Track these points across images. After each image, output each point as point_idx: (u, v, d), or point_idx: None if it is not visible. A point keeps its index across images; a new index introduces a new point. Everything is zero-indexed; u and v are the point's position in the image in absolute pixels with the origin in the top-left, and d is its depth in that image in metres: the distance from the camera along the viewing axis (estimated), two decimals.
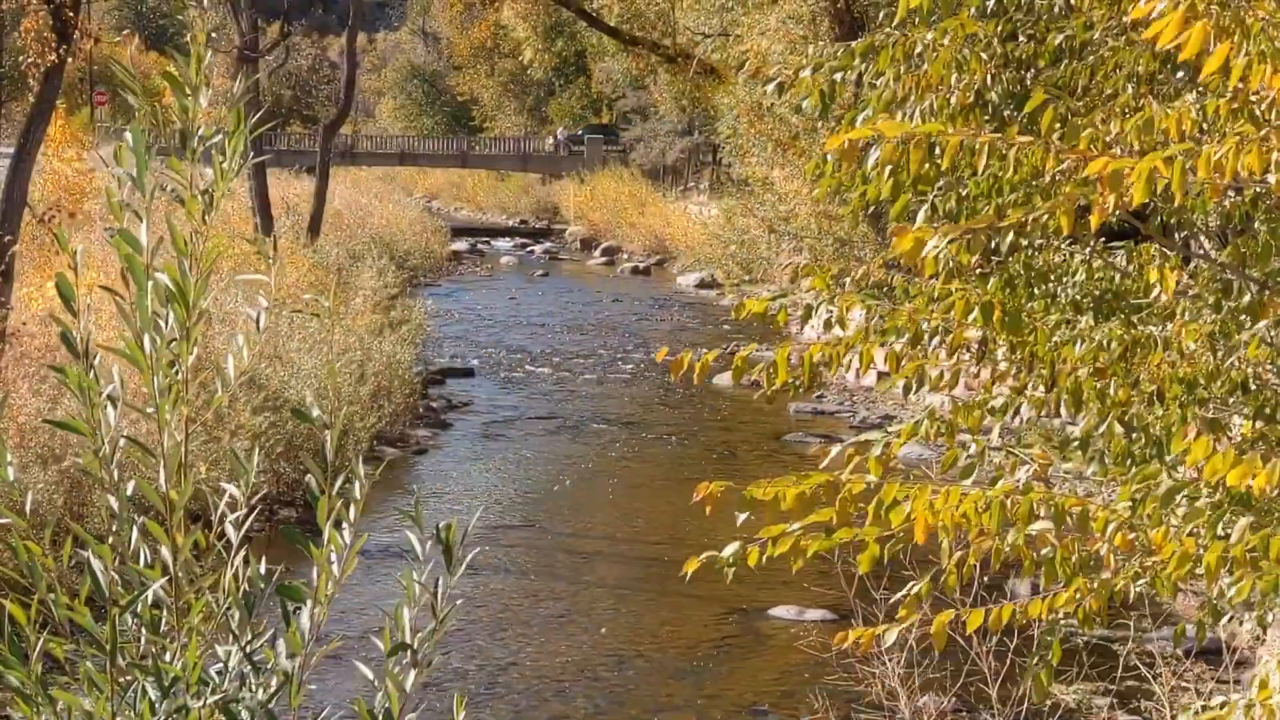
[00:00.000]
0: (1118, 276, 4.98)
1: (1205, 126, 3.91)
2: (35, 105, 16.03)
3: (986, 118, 5.04)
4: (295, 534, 2.75)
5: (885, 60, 4.84)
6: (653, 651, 11.43)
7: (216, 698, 2.55)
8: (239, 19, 29.54)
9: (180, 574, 2.65)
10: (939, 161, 3.67)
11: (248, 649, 2.65)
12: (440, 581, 2.77)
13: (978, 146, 3.64)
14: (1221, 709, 4.07)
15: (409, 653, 2.72)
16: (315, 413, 2.71)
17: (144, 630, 2.59)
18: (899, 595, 4.24)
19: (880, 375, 21.34)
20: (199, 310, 2.66)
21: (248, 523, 2.81)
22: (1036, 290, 4.87)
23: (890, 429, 4.42)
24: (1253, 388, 4.63)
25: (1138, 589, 4.28)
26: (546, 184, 60.92)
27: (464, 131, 67.80)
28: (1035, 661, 4.38)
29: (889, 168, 4.06)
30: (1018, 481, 4.13)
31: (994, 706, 8.02)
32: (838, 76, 5.07)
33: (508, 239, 52.69)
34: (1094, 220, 3.65)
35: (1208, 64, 3.38)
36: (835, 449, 4.34)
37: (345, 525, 2.74)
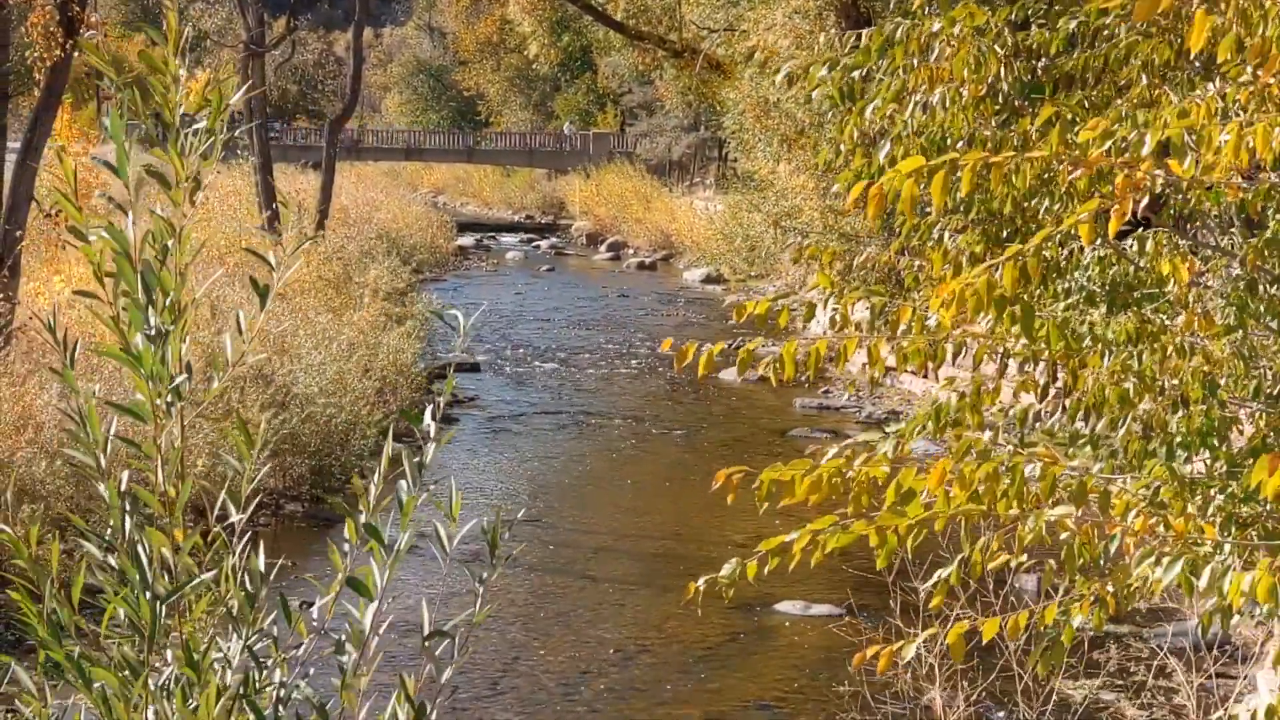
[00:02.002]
0: (1131, 269, 4.96)
1: (1227, 113, 3.89)
2: (41, 100, 16.04)
3: (997, 108, 5.02)
4: (377, 531, 2.74)
5: (900, 56, 4.83)
6: (659, 646, 11.41)
7: (248, 693, 2.54)
8: (246, 14, 29.54)
9: (180, 570, 2.63)
10: (958, 186, 3.63)
11: (250, 641, 2.64)
12: (484, 575, 2.80)
13: (993, 167, 3.61)
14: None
15: (444, 640, 2.73)
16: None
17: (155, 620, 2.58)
18: (927, 585, 4.21)
19: (888, 370, 21.31)
20: (185, 302, 2.63)
21: (251, 507, 2.80)
22: (1050, 282, 4.85)
23: (890, 428, 4.39)
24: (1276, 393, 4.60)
25: (1155, 578, 4.25)
26: (552, 179, 60.87)
27: (470, 126, 67.78)
28: (1044, 647, 4.33)
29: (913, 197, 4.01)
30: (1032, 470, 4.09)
31: (1017, 700, 8.01)
32: (855, 75, 5.06)
33: (513, 234, 52.67)
34: (1113, 225, 3.63)
35: (1220, 50, 3.35)
36: (832, 450, 4.30)
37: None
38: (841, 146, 5.37)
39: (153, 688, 2.52)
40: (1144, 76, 4.88)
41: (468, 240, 46.99)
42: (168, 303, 2.58)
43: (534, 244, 49.04)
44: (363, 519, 2.72)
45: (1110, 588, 4.17)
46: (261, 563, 2.73)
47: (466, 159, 62.52)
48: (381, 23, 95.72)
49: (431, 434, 2.80)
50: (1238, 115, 3.76)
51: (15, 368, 12.95)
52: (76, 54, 15.82)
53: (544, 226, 56.29)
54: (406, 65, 77.69)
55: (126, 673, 2.51)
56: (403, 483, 2.75)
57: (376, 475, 2.80)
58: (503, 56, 65.66)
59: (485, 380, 23.00)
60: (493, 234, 52.05)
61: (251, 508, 2.81)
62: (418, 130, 66.10)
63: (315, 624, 2.80)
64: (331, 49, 75.73)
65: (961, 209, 5.20)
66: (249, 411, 13.82)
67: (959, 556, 4.10)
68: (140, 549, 2.57)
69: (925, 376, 20.36)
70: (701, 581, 4.06)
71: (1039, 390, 4.75)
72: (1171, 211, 5.08)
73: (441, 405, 2.85)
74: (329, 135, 31.98)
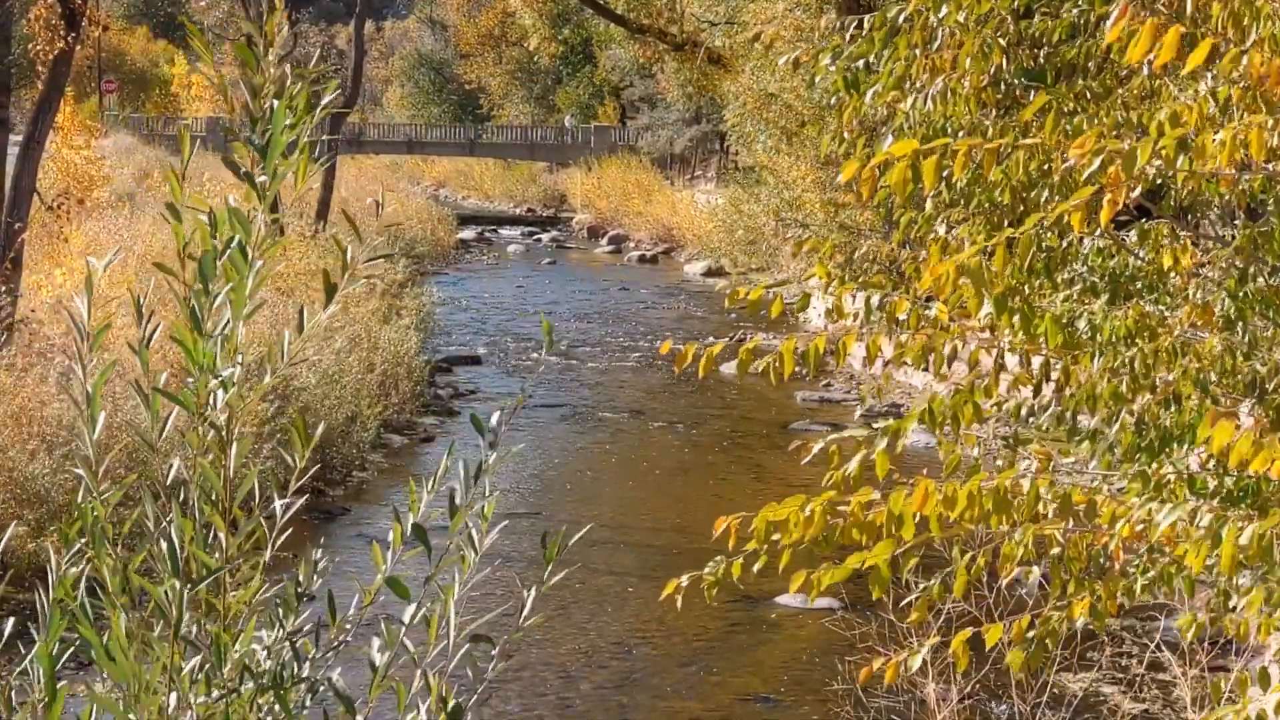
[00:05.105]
0: (1131, 260, 4.96)
1: (1218, 113, 3.89)
2: (43, 93, 16.04)
3: (999, 96, 5.02)
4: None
5: (904, 46, 4.83)
6: (659, 639, 11.43)
7: (280, 686, 2.55)
8: (247, 7, 29.55)
9: (236, 557, 2.66)
10: (950, 169, 3.64)
11: (291, 635, 2.65)
12: (537, 581, 2.82)
13: (985, 153, 3.62)
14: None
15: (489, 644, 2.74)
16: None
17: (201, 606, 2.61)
18: (908, 599, 4.21)
19: (886, 363, 21.28)
20: (253, 300, 2.64)
21: (298, 503, 2.82)
22: (1051, 272, 4.85)
23: (877, 425, 4.39)
24: (1269, 386, 4.60)
25: (1146, 583, 4.26)
26: (554, 172, 60.84)
27: (471, 120, 67.75)
28: (1028, 642, 4.33)
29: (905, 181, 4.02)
30: (1021, 476, 4.10)
31: (1012, 693, 8.02)
32: (859, 64, 5.06)
33: (515, 227, 52.65)
34: (1105, 214, 3.63)
35: (1190, 61, 3.36)
36: (817, 446, 4.29)
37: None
38: (845, 134, 5.37)
39: (184, 671, 2.53)
40: (1145, 68, 4.88)
41: (469, 233, 46.96)
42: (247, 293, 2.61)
43: (535, 237, 49.02)
44: (411, 520, 2.73)
45: (1104, 589, 4.18)
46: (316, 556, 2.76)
47: (468, 152, 62.47)
48: (383, 16, 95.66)
49: (498, 439, 2.80)
50: (1230, 115, 3.76)
51: (17, 360, 12.95)
52: (78, 47, 15.81)
53: (545, 220, 56.25)
54: (408, 58, 77.63)
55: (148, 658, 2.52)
56: (455, 485, 2.76)
57: (435, 477, 2.81)
58: (504, 50, 65.62)
59: (487, 373, 23.02)
60: (494, 227, 52.02)
61: (300, 502, 2.84)
62: (419, 124, 66.06)
63: (350, 621, 2.82)
64: (333, 42, 75.68)
65: (961, 200, 5.20)
66: (252, 404, 13.82)
67: (943, 573, 4.10)
68: (172, 534, 2.59)
69: (926, 369, 20.36)
70: (684, 579, 4.06)
71: (1034, 385, 4.75)
72: (1173, 202, 5.08)
73: (506, 418, 2.85)
74: (330, 129, 31.95)
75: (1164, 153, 3.36)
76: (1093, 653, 8.75)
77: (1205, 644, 8.60)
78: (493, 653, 2.80)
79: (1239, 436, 3.37)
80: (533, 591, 2.82)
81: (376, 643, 2.71)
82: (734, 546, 3.98)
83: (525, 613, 2.80)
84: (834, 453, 4.19)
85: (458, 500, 2.73)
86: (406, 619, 2.73)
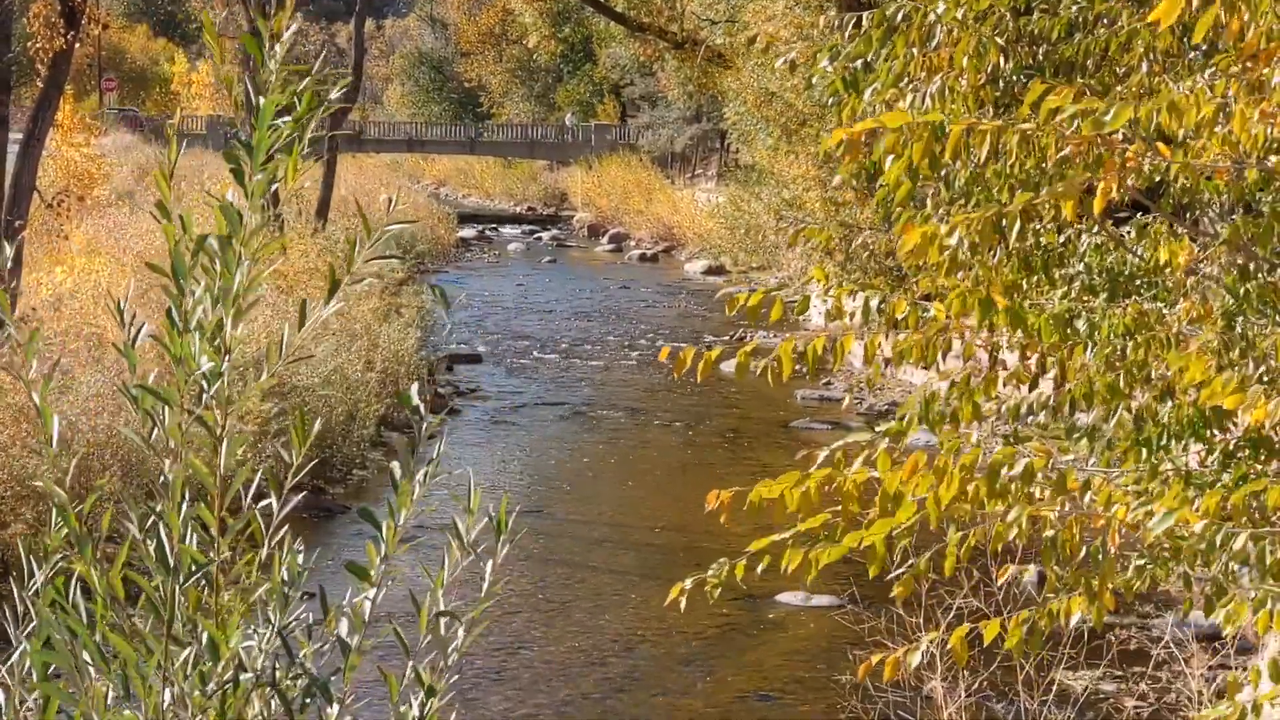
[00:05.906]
0: (1128, 256, 4.96)
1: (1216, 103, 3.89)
2: (43, 91, 16.04)
3: (998, 94, 5.03)
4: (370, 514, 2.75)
5: (902, 45, 4.84)
6: (659, 637, 11.43)
7: (274, 678, 2.55)
8: (247, 5, 29.54)
9: (228, 553, 2.66)
10: (942, 150, 3.65)
11: (282, 630, 2.65)
12: (490, 560, 2.83)
13: (978, 134, 3.63)
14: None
15: (453, 620, 2.75)
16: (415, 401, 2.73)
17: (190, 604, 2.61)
18: (894, 573, 4.21)
19: (887, 361, 21.25)
20: (248, 297, 2.64)
21: (295, 500, 2.82)
22: (1050, 269, 4.85)
23: (879, 428, 4.39)
24: (1264, 381, 4.59)
25: (1140, 570, 4.27)
26: (554, 170, 60.82)
27: (471, 118, 67.74)
28: (1022, 627, 4.32)
29: (895, 156, 4.02)
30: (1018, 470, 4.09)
31: (1018, 690, 8.02)
32: (857, 64, 5.07)
33: (515, 226, 52.65)
34: (1097, 203, 3.64)
35: (1198, 27, 3.37)
36: (823, 454, 4.29)
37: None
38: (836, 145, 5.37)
39: (174, 667, 2.53)
40: (1144, 64, 4.88)
41: (469, 232, 46.96)
42: (235, 289, 2.60)
43: (535, 236, 49.02)
44: (402, 518, 2.73)
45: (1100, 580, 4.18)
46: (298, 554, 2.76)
47: (468, 150, 62.46)
48: (383, 14, 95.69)
49: (424, 413, 2.80)
50: (1222, 101, 3.76)
51: (16, 358, 12.95)
52: (78, 45, 15.82)
53: (545, 218, 56.24)
54: (408, 57, 77.62)
55: (143, 650, 2.52)
56: (395, 464, 2.76)
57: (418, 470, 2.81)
58: (504, 48, 65.60)
59: (487, 371, 23.02)
60: (494, 225, 52.01)
61: (298, 499, 2.83)
62: (419, 122, 66.04)
63: (348, 614, 2.82)
64: (334, 40, 75.70)
65: (962, 200, 5.20)
66: (249, 402, 13.83)
67: (931, 550, 4.10)
68: (161, 530, 2.59)
69: (926, 368, 20.33)
70: (688, 583, 4.07)
71: (1030, 383, 4.75)
72: (1171, 200, 5.08)
73: (429, 390, 2.85)
74: (330, 127, 31.95)
75: (1143, 115, 3.37)
76: (1098, 651, 8.75)
77: (1215, 642, 8.60)
78: (459, 631, 2.81)
79: (1216, 378, 3.37)
80: (490, 562, 2.83)
81: (345, 625, 2.71)
82: (725, 521, 3.99)
83: (486, 585, 2.80)
84: (840, 459, 4.19)
85: (398, 474, 2.73)
86: (370, 598, 2.73)
